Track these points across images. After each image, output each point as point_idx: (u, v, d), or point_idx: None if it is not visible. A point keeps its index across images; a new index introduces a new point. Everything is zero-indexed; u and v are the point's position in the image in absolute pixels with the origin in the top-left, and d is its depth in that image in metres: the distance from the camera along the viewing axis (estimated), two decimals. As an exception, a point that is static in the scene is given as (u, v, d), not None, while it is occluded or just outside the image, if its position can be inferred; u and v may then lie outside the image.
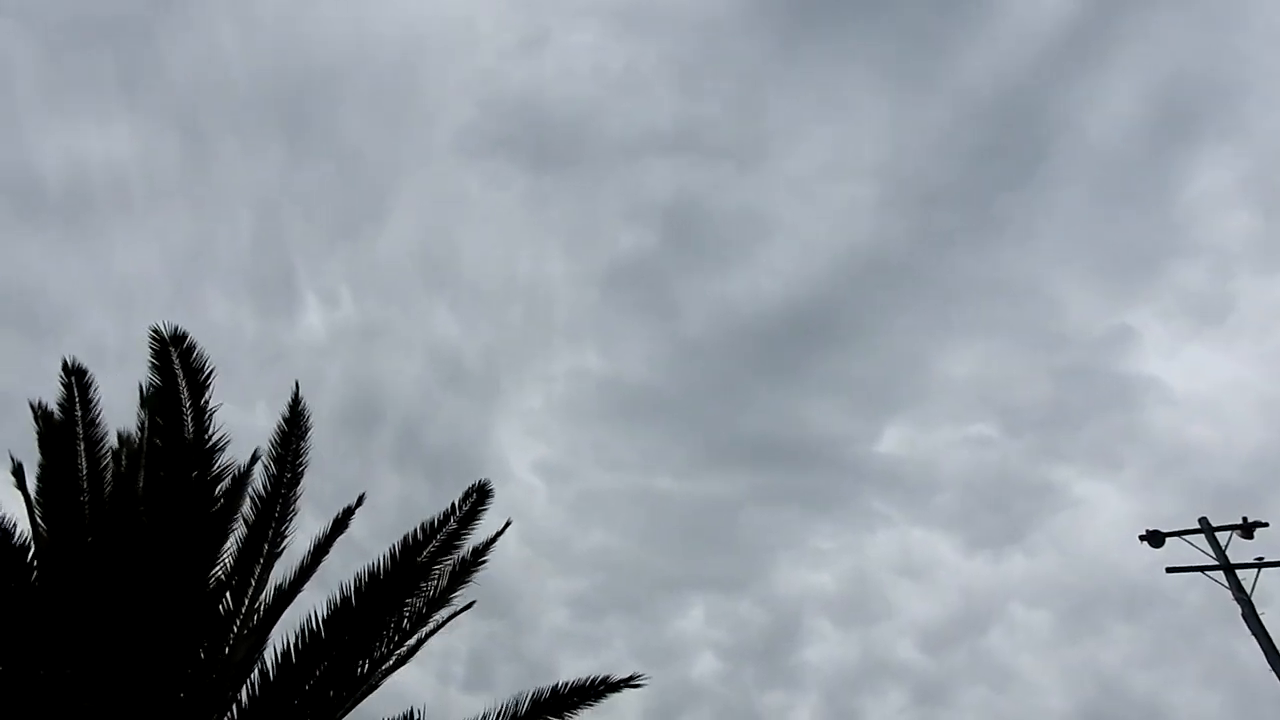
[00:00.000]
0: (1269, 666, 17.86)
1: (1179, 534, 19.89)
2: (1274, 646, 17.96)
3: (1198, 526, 19.83)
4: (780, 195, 68.48)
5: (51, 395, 10.35)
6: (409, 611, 9.32)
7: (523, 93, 68.85)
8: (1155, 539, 19.90)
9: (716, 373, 78.24)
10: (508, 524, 10.46)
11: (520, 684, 66.04)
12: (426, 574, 9.46)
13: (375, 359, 73.05)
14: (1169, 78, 52.83)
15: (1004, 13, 55.18)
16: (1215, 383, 52.49)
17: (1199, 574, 19.54)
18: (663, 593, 76.79)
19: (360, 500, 11.17)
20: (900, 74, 60.36)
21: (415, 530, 9.46)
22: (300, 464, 9.94)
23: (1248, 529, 19.57)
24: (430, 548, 9.47)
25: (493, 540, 10.37)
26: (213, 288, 70.63)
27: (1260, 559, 19.02)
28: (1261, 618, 18.35)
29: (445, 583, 9.71)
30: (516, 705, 9.55)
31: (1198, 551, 19.86)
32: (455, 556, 9.80)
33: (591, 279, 77.06)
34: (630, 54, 67.38)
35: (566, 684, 9.72)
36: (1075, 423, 53.50)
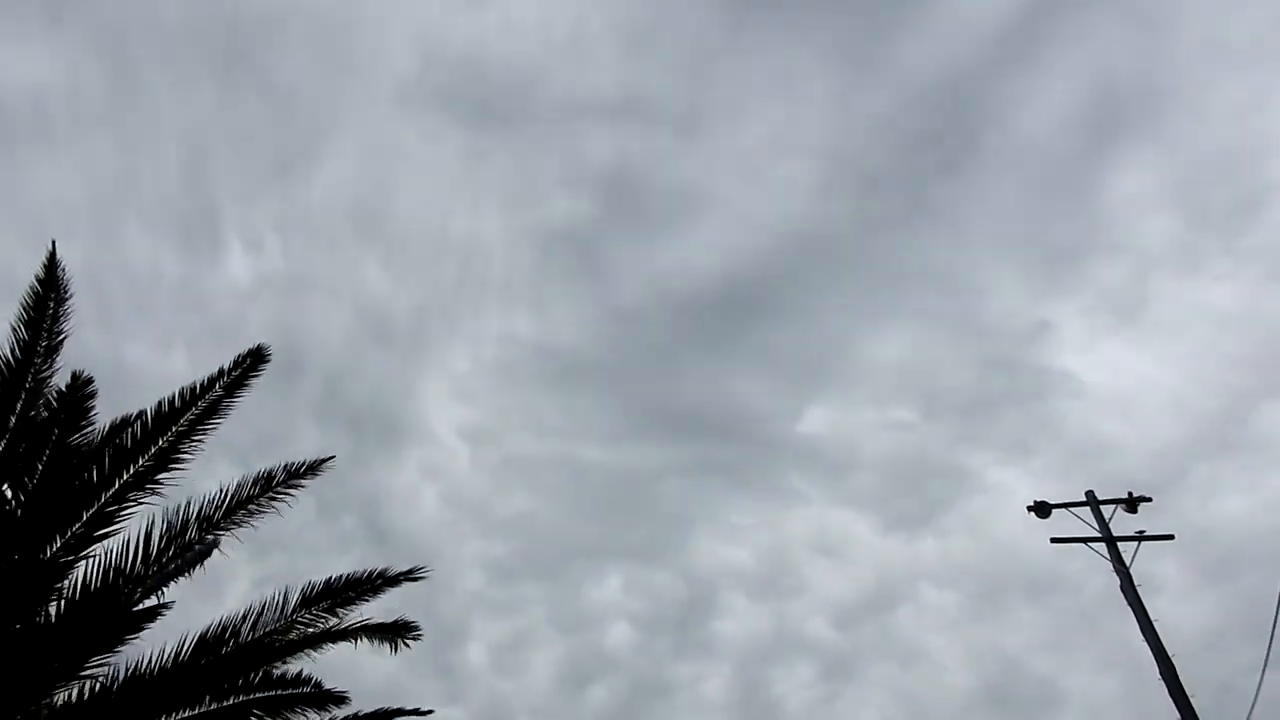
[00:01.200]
0: (1143, 638, 18.03)
1: (1065, 506, 19.95)
2: (1148, 618, 18.10)
3: (1084, 500, 19.91)
4: (720, 169, 68.16)
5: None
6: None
7: (465, 47, 67.41)
8: (1042, 510, 19.95)
9: (647, 343, 77.86)
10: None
11: (432, 643, 65.29)
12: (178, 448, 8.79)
13: (301, 309, 71.24)
14: (1101, 79, 53.47)
15: (949, 3, 55.35)
16: (1129, 379, 53.56)
17: (1083, 547, 19.66)
18: (581, 561, 76.44)
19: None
20: (847, 55, 60.25)
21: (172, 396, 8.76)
22: (59, 332, 9.12)
23: (1132, 503, 19.71)
24: (189, 416, 8.78)
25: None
26: (134, 223, 68.17)
27: (1141, 532, 19.16)
28: (1139, 590, 18.50)
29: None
30: (285, 599, 9.03)
31: (1086, 526, 19.97)
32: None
33: (526, 241, 76.00)
34: (576, 15, 66.32)
35: (341, 576, 9.24)
36: (993, 411, 54.23)
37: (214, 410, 9.25)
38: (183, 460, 9.05)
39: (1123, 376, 54.27)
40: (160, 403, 8.92)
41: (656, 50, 66.09)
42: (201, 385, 9.12)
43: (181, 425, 8.92)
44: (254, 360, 9.33)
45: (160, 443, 8.80)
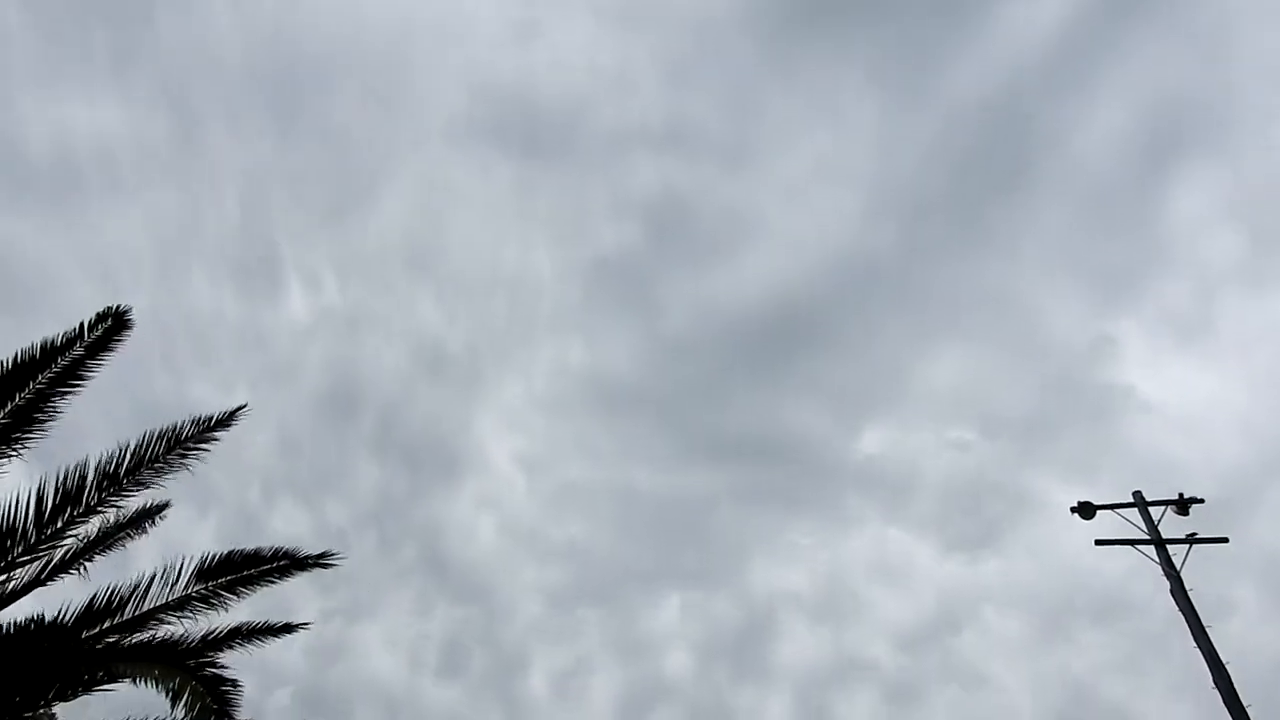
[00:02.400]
0: (1194, 644, 16.98)
1: (1111, 507, 18.97)
2: (1200, 623, 17.04)
3: (1131, 500, 18.96)
4: (767, 197, 68.08)
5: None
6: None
7: (514, 83, 68.76)
8: (1086, 510, 18.99)
9: (698, 370, 77.59)
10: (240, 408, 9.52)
11: (494, 672, 65.18)
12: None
13: (357, 345, 72.74)
14: (1158, 97, 52.23)
15: (997, 25, 54.80)
16: (1194, 398, 51.53)
17: (1132, 552, 18.67)
18: (637, 586, 75.85)
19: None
20: (892, 81, 59.91)
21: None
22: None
23: (1183, 505, 18.66)
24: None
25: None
26: (197, 267, 70.51)
27: (1192, 535, 18.13)
28: (1190, 594, 17.47)
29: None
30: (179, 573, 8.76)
31: (1136, 530, 19.00)
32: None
33: (576, 272, 76.70)
34: (623, 49, 67.23)
35: (239, 551, 8.95)
36: (1054, 431, 52.47)
37: (75, 371, 9.00)
38: (44, 421, 8.82)
39: (1188, 395, 52.20)
40: (14, 356, 8.66)
41: (701, 80, 66.57)
42: (58, 343, 8.89)
43: (41, 383, 8.71)
44: (116, 323, 9.14)
45: (18, 399, 8.58)
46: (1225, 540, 18.15)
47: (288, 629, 10.05)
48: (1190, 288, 51.62)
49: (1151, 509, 18.77)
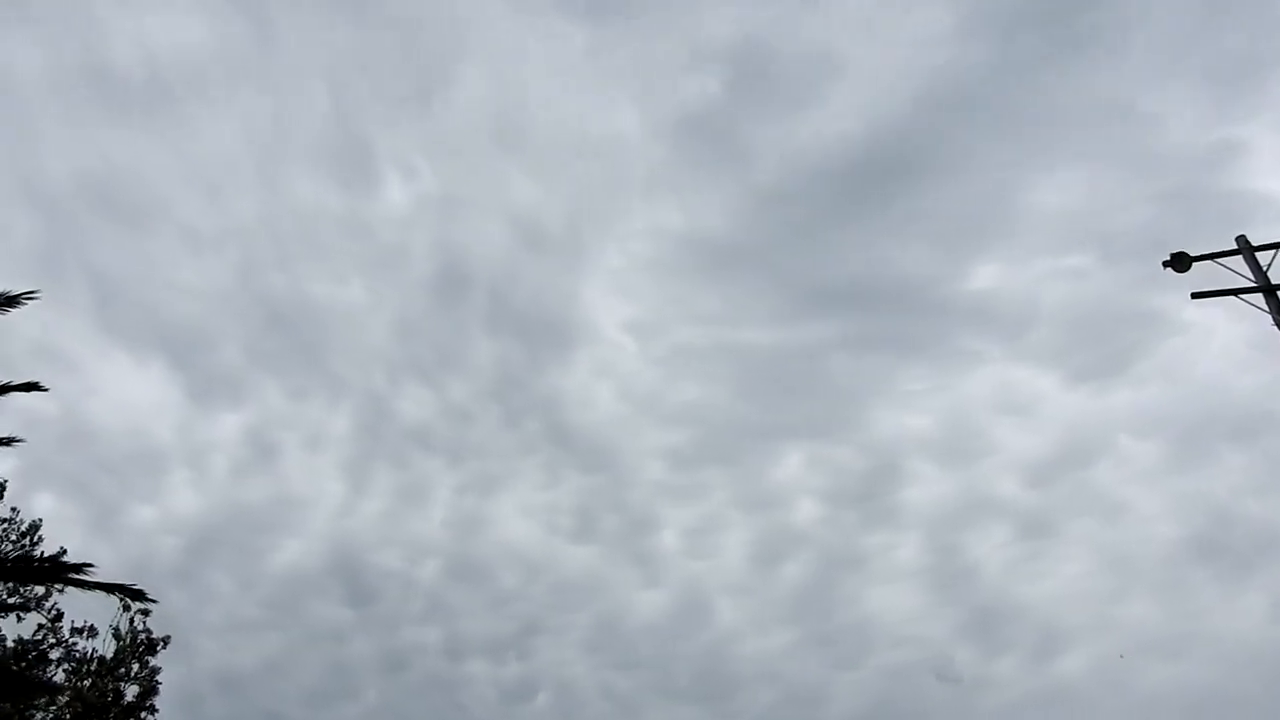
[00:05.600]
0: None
1: (1210, 257, 17.02)
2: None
3: (1234, 247, 16.93)
4: (848, 29, 63.88)
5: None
6: None
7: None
8: (1180, 262, 17.11)
9: (795, 219, 75.22)
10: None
11: (625, 533, 67.24)
12: None
13: (458, 226, 73.62)
14: None
15: None
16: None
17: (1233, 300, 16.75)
18: (757, 443, 76.14)
19: None
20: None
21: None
22: None
23: (1296, 245, 16.55)
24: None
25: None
26: (295, 166, 72.19)
27: (1307, 276, 16.06)
28: (1301, 341, 15.55)
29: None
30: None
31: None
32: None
33: (661, 132, 74.87)
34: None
35: None
36: (1179, 247, 48.44)
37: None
38: None
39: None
40: None
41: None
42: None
43: None
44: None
45: None
46: (1345, 276, 16.01)
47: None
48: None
49: (1259, 254, 16.74)
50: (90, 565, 11.13)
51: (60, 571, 11.98)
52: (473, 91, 74.55)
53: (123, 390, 63.20)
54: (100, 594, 22.80)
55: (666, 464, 70.14)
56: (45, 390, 11.73)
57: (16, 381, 11.63)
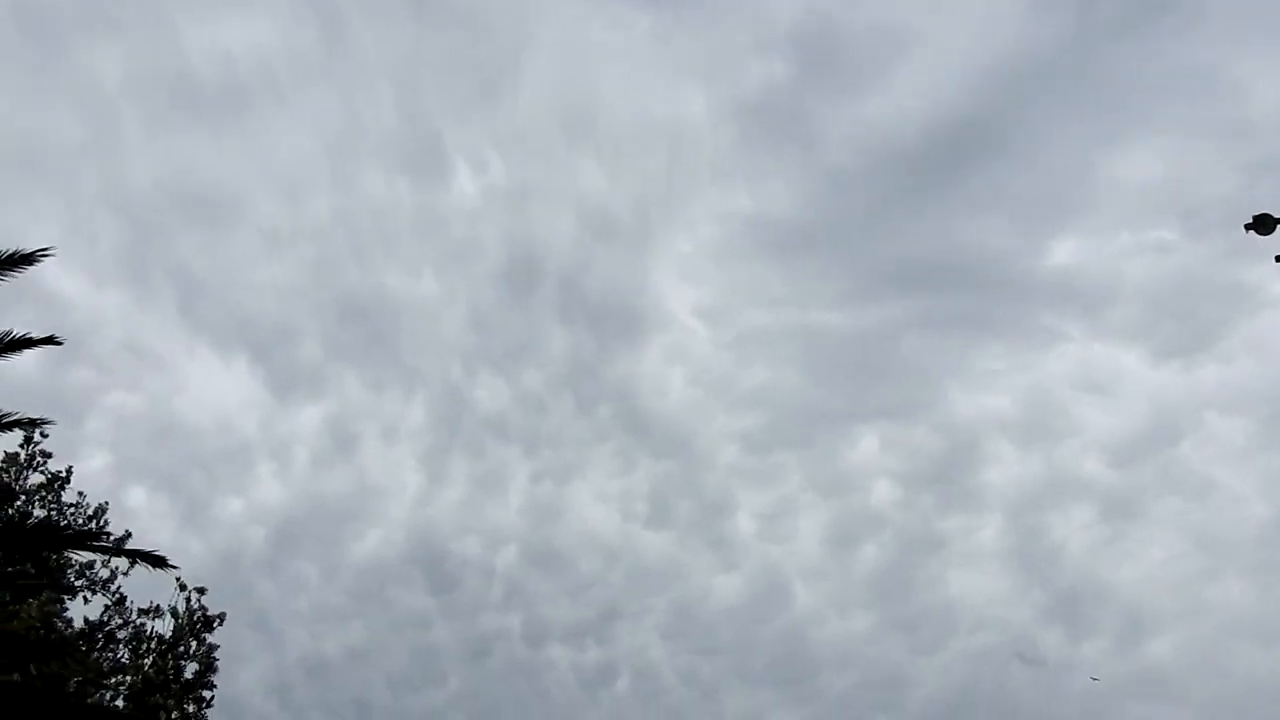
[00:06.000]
0: None
1: (1300, 216, 15.74)
2: None
3: (1325, 206, 15.60)
4: (915, 6, 61.87)
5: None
6: None
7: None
8: (1264, 225, 15.87)
9: (865, 199, 73.55)
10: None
11: (700, 518, 67.10)
12: None
13: (528, 217, 74.01)
14: None
15: None
16: None
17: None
18: (830, 425, 74.96)
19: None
20: None
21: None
22: None
23: (1395, 203, 15.19)
24: None
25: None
26: (367, 163, 73.31)
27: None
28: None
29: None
30: None
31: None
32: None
33: (728, 116, 73.96)
34: None
35: None
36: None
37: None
38: None
39: None
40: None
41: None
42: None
43: None
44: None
45: None
46: None
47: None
48: None
49: (1353, 214, 15.40)
50: (107, 533, 11.13)
51: (82, 539, 12.11)
52: (539, 82, 74.76)
53: (209, 386, 65.12)
54: (160, 574, 23.30)
55: (740, 448, 69.66)
56: (60, 344, 11.82)
57: (38, 335, 11.69)
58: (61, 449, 23.80)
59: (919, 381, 68.25)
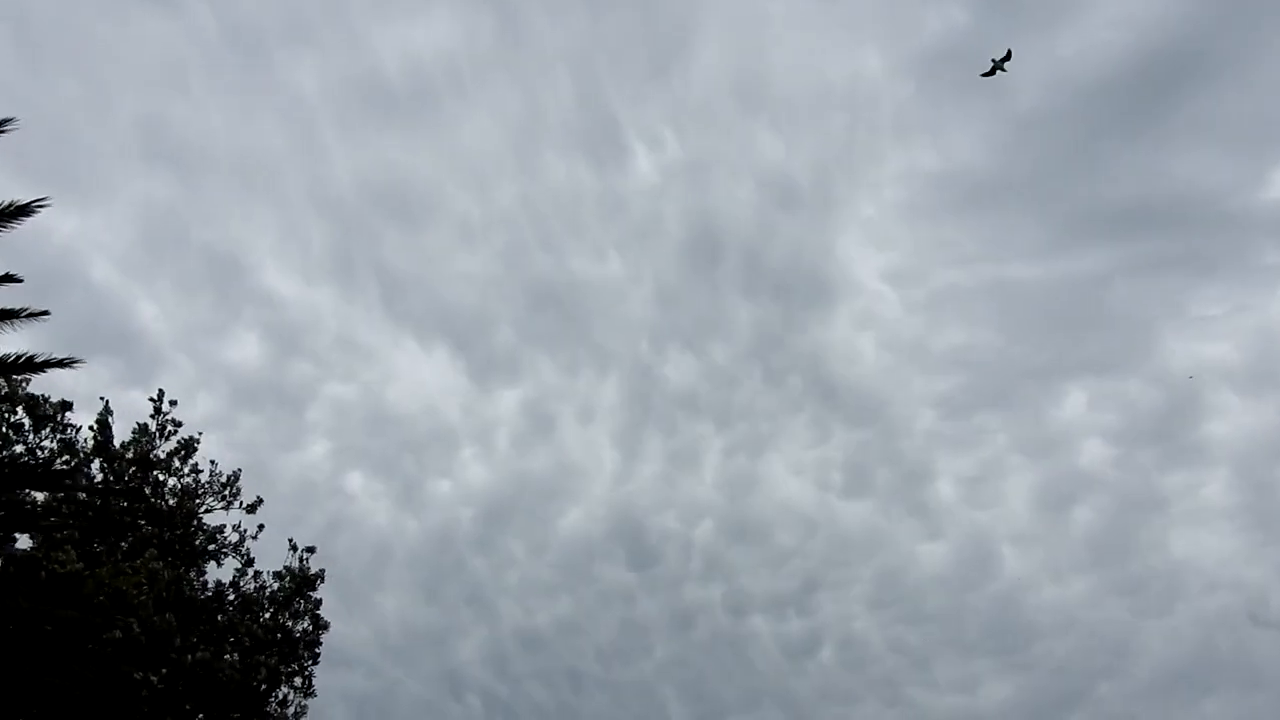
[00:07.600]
0: None
1: None
2: None
3: None
4: (1105, -76, 55.24)
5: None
6: None
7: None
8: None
9: (1060, 143, 66.42)
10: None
11: (899, 485, 63.96)
12: None
13: (708, 191, 72.90)
14: None
15: None
16: None
17: None
18: (1034, 383, 68.81)
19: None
20: None
21: None
22: None
23: None
24: None
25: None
26: (548, 150, 74.91)
27: None
28: None
29: None
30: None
31: None
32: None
33: (905, 69, 69.31)
34: None
35: None
36: None
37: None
38: None
39: None
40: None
41: None
42: None
43: None
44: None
45: None
46: None
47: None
48: None
49: None
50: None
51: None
52: (710, 55, 73.43)
53: (413, 376, 69.13)
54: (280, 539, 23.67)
55: (938, 412, 65.45)
56: (19, 281, 11.66)
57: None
58: (285, 437, 24.84)
59: (1129, 332, 61.43)
